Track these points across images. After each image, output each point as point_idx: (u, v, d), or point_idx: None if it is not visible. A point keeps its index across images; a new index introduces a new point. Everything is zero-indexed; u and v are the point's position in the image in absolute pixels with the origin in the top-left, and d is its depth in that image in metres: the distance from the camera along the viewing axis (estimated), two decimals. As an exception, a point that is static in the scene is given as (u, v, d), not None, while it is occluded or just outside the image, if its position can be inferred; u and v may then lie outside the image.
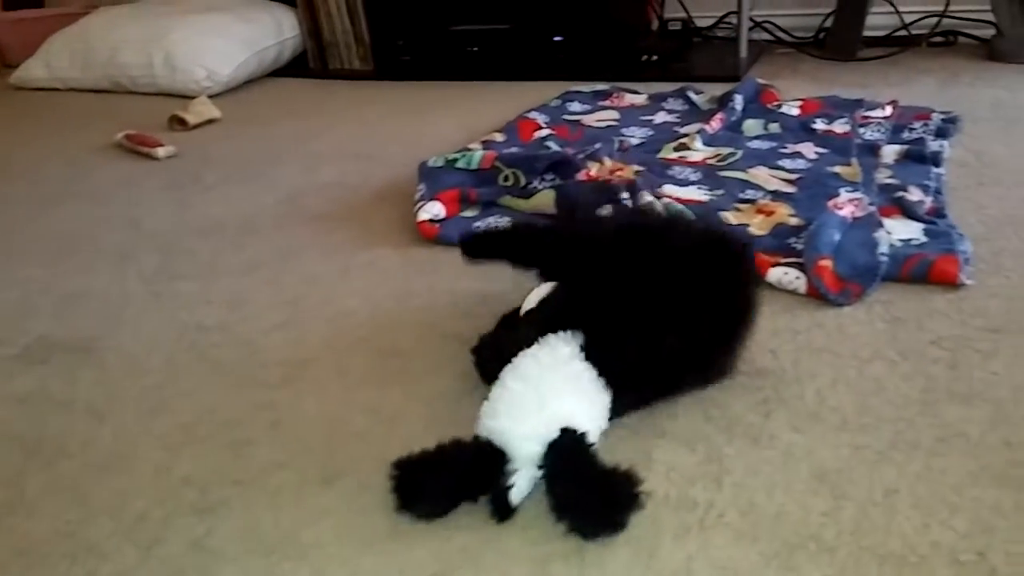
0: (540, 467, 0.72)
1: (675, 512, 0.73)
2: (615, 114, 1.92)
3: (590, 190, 1.34)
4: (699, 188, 1.42)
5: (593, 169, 1.48)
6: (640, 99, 2.02)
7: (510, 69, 2.43)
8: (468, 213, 1.40)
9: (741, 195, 1.37)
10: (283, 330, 1.10)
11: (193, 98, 2.29)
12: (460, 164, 1.50)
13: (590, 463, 0.72)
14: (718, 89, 1.98)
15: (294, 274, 1.27)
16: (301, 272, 1.28)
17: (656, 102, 1.99)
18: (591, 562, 0.68)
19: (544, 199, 1.37)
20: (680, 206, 1.24)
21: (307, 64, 2.73)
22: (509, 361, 0.81)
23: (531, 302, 0.93)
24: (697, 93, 1.99)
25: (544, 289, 0.93)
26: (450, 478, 0.72)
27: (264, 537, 0.73)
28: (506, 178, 1.46)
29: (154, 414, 0.93)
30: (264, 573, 0.69)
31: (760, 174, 1.46)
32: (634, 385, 0.82)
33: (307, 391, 0.95)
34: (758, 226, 1.25)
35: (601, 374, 0.80)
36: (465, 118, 2.06)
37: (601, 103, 2.02)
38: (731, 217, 1.28)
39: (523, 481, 0.73)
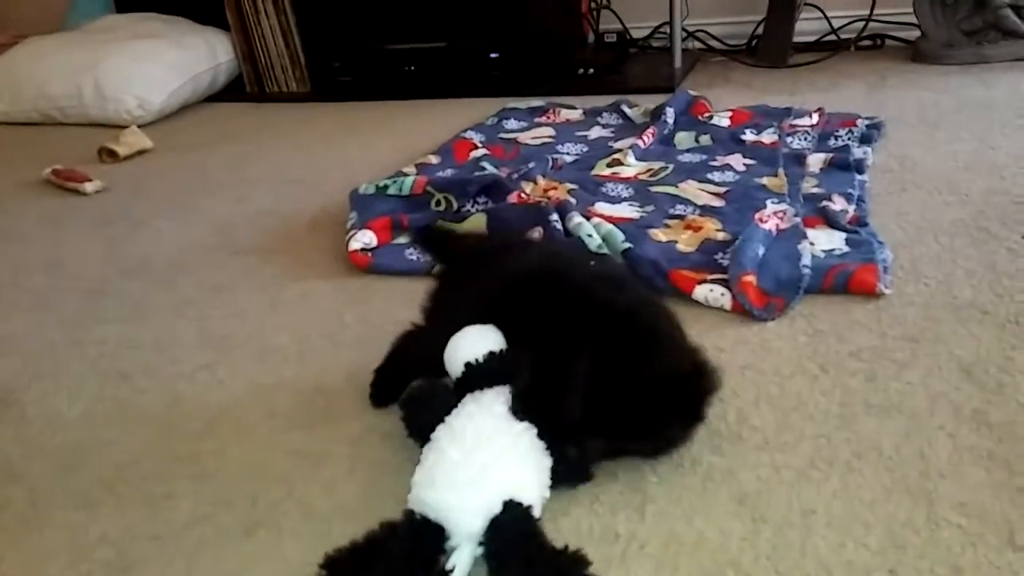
0: (481, 543, 0.68)
1: (598, 546, 0.73)
2: (551, 131, 1.93)
3: (521, 213, 1.34)
4: (630, 205, 1.43)
5: (527, 189, 1.48)
6: (576, 115, 2.03)
7: (447, 87, 2.42)
8: (401, 240, 1.39)
9: (671, 211, 1.39)
10: (209, 371, 1.08)
11: (125, 128, 2.25)
12: (392, 190, 1.49)
13: (537, 543, 0.68)
14: (653, 101, 2.01)
15: (223, 311, 1.25)
16: (230, 308, 1.26)
17: (591, 117, 2.00)
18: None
19: (476, 222, 1.37)
20: (609, 227, 1.25)
21: (243, 88, 2.69)
22: (441, 419, 0.76)
23: (460, 353, 0.83)
24: (631, 107, 2.01)
25: (471, 338, 0.84)
26: (386, 570, 0.66)
27: (181, 596, 0.72)
28: (438, 202, 1.45)
29: (72, 470, 0.90)
30: (179, 635, 0.68)
31: (690, 188, 1.48)
32: (576, 444, 0.77)
33: (231, 437, 0.93)
34: (686, 242, 1.26)
35: (540, 435, 0.76)
36: (402, 138, 2.05)
37: (537, 119, 2.02)
38: (660, 234, 1.29)
39: (464, 560, 0.68)
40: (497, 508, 0.68)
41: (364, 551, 0.68)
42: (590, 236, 1.23)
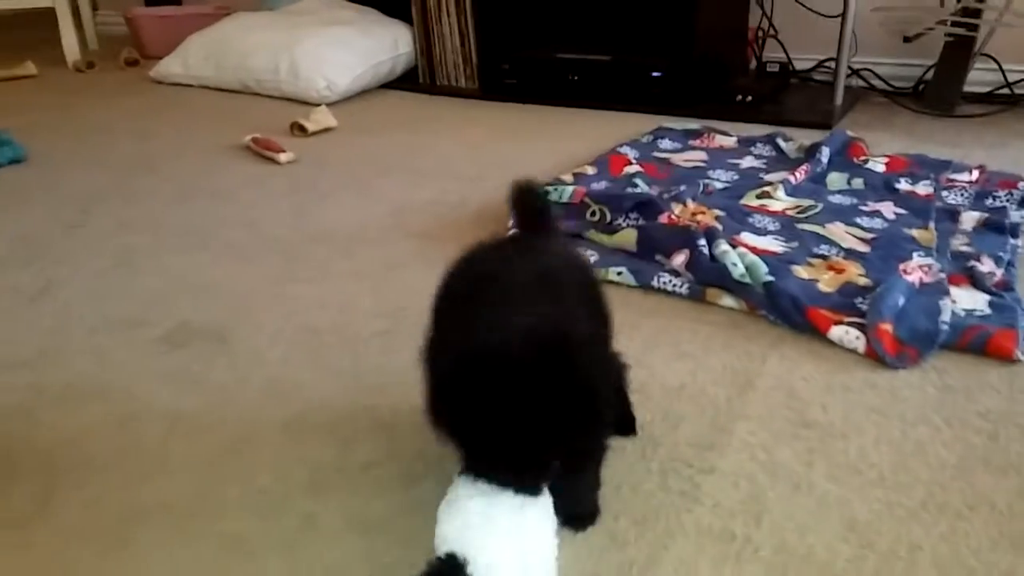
0: None
1: (715, 542, 0.83)
2: (703, 155, 2.01)
3: (670, 233, 1.44)
4: (775, 239, 1.50)
5: (676, 210, 1.58)
6: (730, 141, 2.10)
7: (606, 98, 2.54)
8: (556, 243, 1.52)
9: (815, 250, 1.45)
10: (385, 337, 1.24)
11: (312, 105, 2.49)
12: (552, 197, 1.62)
13: None
14: (809, 136, 2.05)
15: (397, 285, 1.42)
16: (404, 283, 1.42)
17: (745, 146, 2.06)
18: (641, 572, 0.79)
19: (626, 237, 1.48)
20: (753, 257, 1.33)
21: (417, 79, 2.90)
22: None
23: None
24: (786, 140, 2.05)
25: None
26: None
27: (364, 519, 0.87)
28: (593, 213, 1.57)
29: (274, 401, 1.08)
30: (362, 550, 0.83)
31: (837, 230, 1.53)
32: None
33: (402, 398, 1.08)
34: (827, 283, 1.33)
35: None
36: (559, 144, 2.18)
37: (692, 142, 2.11)
38: (802, 272, 1.36)
39: None
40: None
41: None
42: (735, 265, 1.31)
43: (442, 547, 0.72)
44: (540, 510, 0.77)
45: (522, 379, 0.70)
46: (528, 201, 0.96)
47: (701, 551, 0.82)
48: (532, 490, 0.75)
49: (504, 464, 0.73)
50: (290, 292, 1.39)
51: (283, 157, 2.04)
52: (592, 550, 0.82)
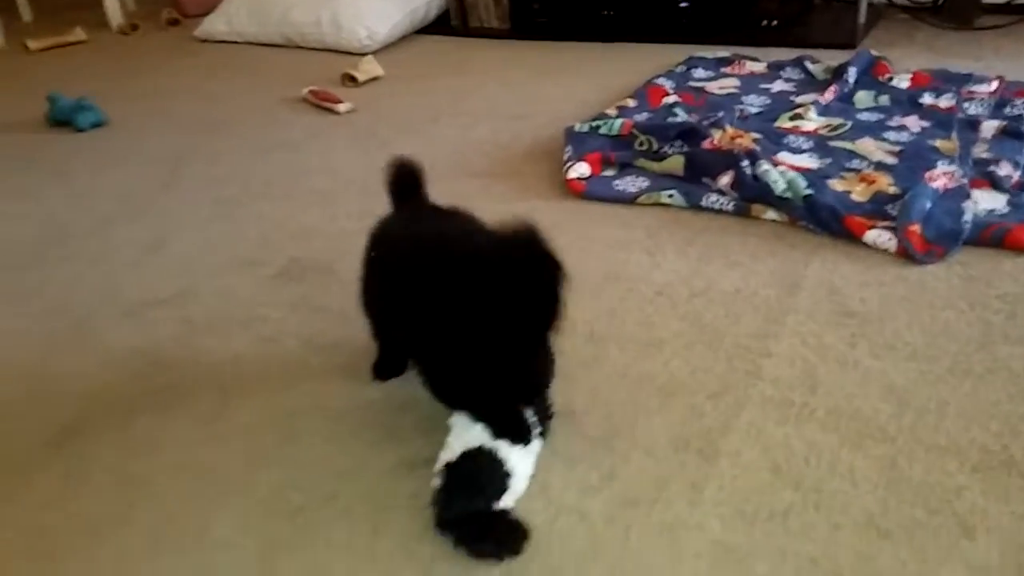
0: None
1: (778, 408, 1.01)
2: (736, 82, 2.13)
3: (715, 158, 1.58)
4: (811, 156, 1.64)
5: (717, 136, 1.72)
6: (760, 67, 2.21)
7: (636, 32, 2.64)
8: (608, 173, 1.68)
9: (847, 164, 1.59)
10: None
11: (353, 55, 2.62)
12: (603, 130, 1.76)
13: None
14: (834, 56, 2.16)
15: (469, 219, 1.58)
16: (474, 217, 1.59)
17: (774, 71, 2.18)
18: (719, 442, 0.97)
19: (674, 163, 1.63)
20: (793, 174, 1.48)
21: (448, 22, 3.01)
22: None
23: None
24: (814, 63, 2.17)
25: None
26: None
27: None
28: (641, 143, 1.72)
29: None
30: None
31: (866, 145, 1.67)
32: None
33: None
34: (860, 193, 1.48)
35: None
36: (597, 80, 2.30)
37: (723, 70, 2.22)
38: (837, 184, 1.51)
39: None
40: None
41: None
42: (776, 182, 1.46)
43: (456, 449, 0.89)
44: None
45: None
46: (404, 174, 1.11)
47: (767, 416, 1.00)
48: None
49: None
50: (378, 229, 1.56)
51: (341, 107, 2.19)
52: (674, 421, 1.01)
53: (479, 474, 0.87)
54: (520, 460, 0.89)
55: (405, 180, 1.10)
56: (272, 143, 2.05)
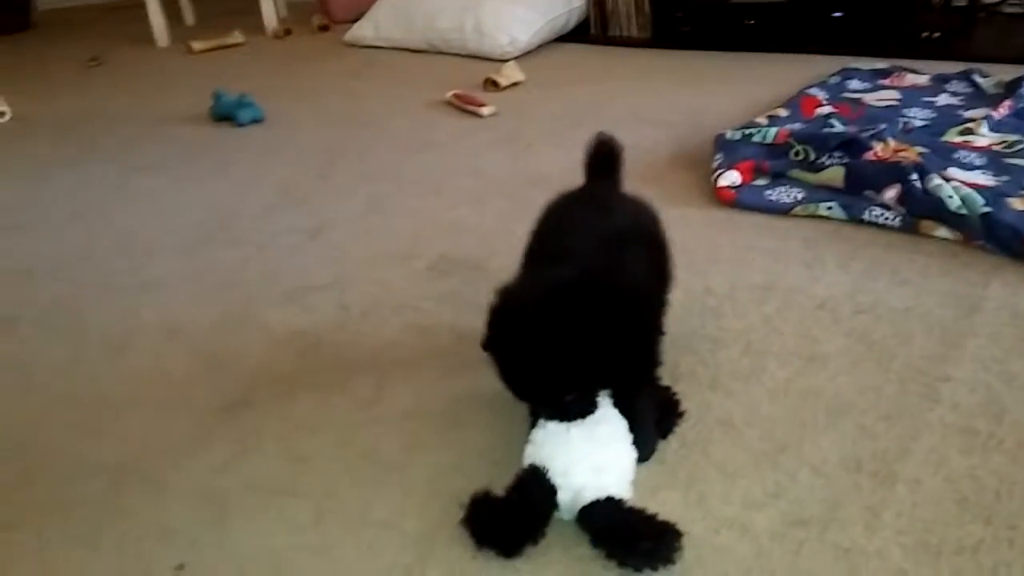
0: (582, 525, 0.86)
1: (960, 435, 0.94)
2: (896, 94, 2.02)
3: (880, 170, 1.51)
4: (984, 173, 1.54)
5: (878, 148, 1.64)
6: (922, 80, 2.10)
7: (785, 42, 2.56)
8: (760, 182, 1.62)
9: (1027, 183, 1.48)
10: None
11: (495, 61, 2.66)
12: (756, 138, 1.71)
13: (631, 515, 0.85)
14: (1004, 72, 2.02)
15: (616, 223, 1.57)
16: (621, 222, 1.57)
17: (939, 83, 2.06)
18: (895, 466, 0.92)
19: (833, 174, 1.56)
20: (968, 190, 1.39)
21: (588, 30, 3.01)
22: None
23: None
24: (983, 76, 2.03)
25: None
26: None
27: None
28: (797, 153, 1.66)
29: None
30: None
31: (1048, 163, 1.55)
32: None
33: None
34: (1044, 214, 1.37)
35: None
36: (742, 89, 2.24)
37: (881, 82, 2.12)
38: (1018, 203, 1.40)
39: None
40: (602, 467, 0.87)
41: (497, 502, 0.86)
42: (950, 197, 1.37)
43: (525, 461, 0.89)
44: (611, 428, 0.92)
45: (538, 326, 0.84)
46: (604, 152, 1.13)
47: (948, 443, 0.94)
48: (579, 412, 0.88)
49: (541, 399, 0.89)
50: (520, 230, 1.57)
51: (485, 111, 2.23)
52: (844, 440, 0.96)
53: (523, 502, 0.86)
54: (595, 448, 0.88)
55: (602, 158, 1.14)
56: (419, 142, 2.10)
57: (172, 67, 3.13)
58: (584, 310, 0.85)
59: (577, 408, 0.89)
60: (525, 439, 0.93)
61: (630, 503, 0.86)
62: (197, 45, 3.25)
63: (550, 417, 0.90)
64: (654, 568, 0.81)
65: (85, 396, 1.20)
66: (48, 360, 1.30)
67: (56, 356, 1.31)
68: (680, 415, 1.00)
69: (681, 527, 0.83)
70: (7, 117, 2.56)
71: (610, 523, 0.83)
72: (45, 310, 1.45)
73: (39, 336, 1.37)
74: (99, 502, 0.99)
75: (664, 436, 0.98)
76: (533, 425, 0.93)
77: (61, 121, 2.53)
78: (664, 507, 0.88)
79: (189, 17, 3.86)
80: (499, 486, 0.91)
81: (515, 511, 0.85)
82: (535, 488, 0.86)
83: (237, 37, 3.34)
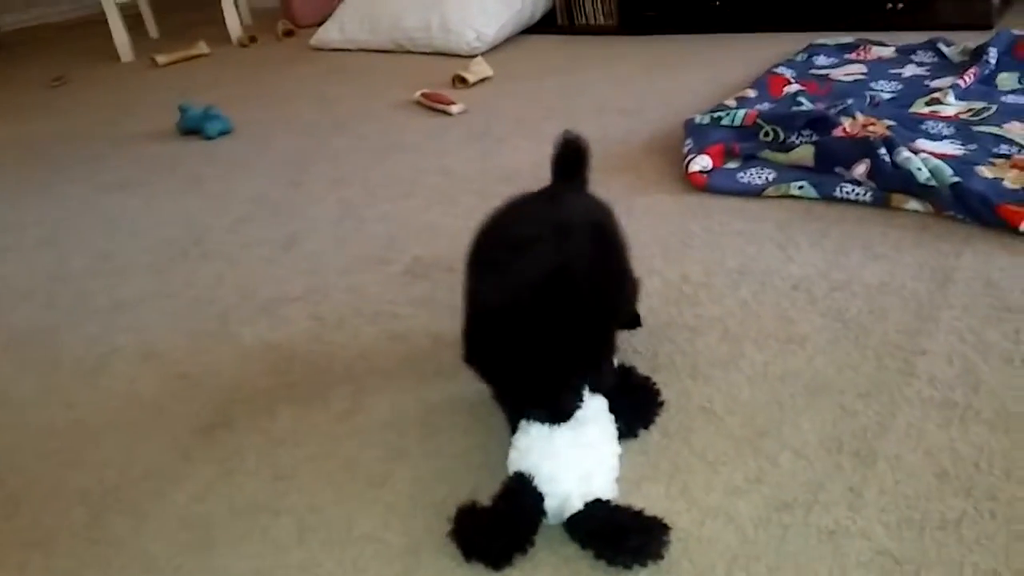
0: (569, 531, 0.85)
1: (938, 409, 0.95)
2: (863, 68, 2.03)
3: (848, 146, 1.51)
4: (952, 143, 1.54)
5: (847, 124, 1.64)
6: (888, 52, 2.10)
7: (752, 21, 2.55)
8: (731, 165, 1.62)
9: (995, 150, 1.49)
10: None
11: (462, 57, 2.65)
12: (725, 121, 1.71)
13: (618, 514, 0.84)
14: (968, 38, 2.03)
15: (589, 215, 1.56)
16: (595, 213, 1.57)
17: (905, 55, 2.07)
18: (875, 444, 0.92)
19: (803, 153, 1.56)
20: (936, 161, 1.39)
21: (555, 21, 3.00)
22: None
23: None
24: (948, 44, 2.04)
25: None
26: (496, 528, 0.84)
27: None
28: (766, 134, 1.66)
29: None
30: (625, 427, 1.00)
31: (1015, 129, 1.55)
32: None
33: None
34: (1013, 180, 1.37)
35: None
36: (711, 72, 2.24)
37: (848, 56, 2.12)
38: (986, 171, 1.41)
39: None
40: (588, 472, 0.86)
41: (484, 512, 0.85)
42: (919, 169, 1.38)
43: (511, 469, 0.88)
44: (596, 429, 0.91)
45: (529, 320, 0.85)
46: (570, 152, 1.12)
47: (927, 417, 0.94)
48: (563, 416, 0.88)
49: (530, 399, 0.88)
50: (498, 227, 1.56)
51: (454, 109, 2.21)
52: (824, 421, 0.96)
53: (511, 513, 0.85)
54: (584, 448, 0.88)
55: (569, 158, 1.12)
56: (389, 145, 2.09)
57: (138, 82, 3.09)
58: (559, 301, 0.85)
59: (572, 402, 0.88)
60: (506, 443, 0.92)
61: (616, 501, 0.86)
62: (162, 59, 3.22)
63: (545, 419, 0.89)
64: (643, 564, 0.81)
65: (61, 423, 1.18)
66: (21, 387, 1.28)
67: (30, 383, 1.29)
68: (660, 405, 1.00)
69: (666, 520, 0.82)
70: (-28, 143, 2.53)
71: (596, 524, 0.83)
72: (17, 336, 1.43)
73: (12, 362, 1.35)
74: (81, 533, 0.97)
75: (646, 426, 0.98)
76: (514, 431, 0.92)
77: (28, 143, 2.50)
78: (648, 500, 0.88)
79: (152, 30, 3.83)
80: (482, 492, 0.90)
81: (503, 521, 0.84)
82: (522, 497, 0.85)
83: (202, 48, 3.30)
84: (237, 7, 3.53)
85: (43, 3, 4.50)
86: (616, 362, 1.00)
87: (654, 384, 1.02)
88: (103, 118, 2.66)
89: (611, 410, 0.94)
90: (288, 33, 3.41)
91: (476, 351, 0.90)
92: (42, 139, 2.52)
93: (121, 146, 2.36)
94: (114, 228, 1.83)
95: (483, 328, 0.90)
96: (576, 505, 0.83)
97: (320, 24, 3.19)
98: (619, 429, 0.94)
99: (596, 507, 0.84)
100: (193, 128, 2.31)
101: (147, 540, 0.95)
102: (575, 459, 0.87)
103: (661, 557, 0.81)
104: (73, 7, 4.49)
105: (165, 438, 1.11)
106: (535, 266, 0.89)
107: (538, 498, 0.84)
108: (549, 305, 0.85)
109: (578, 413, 0.89)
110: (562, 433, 0.88)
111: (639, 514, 0.83)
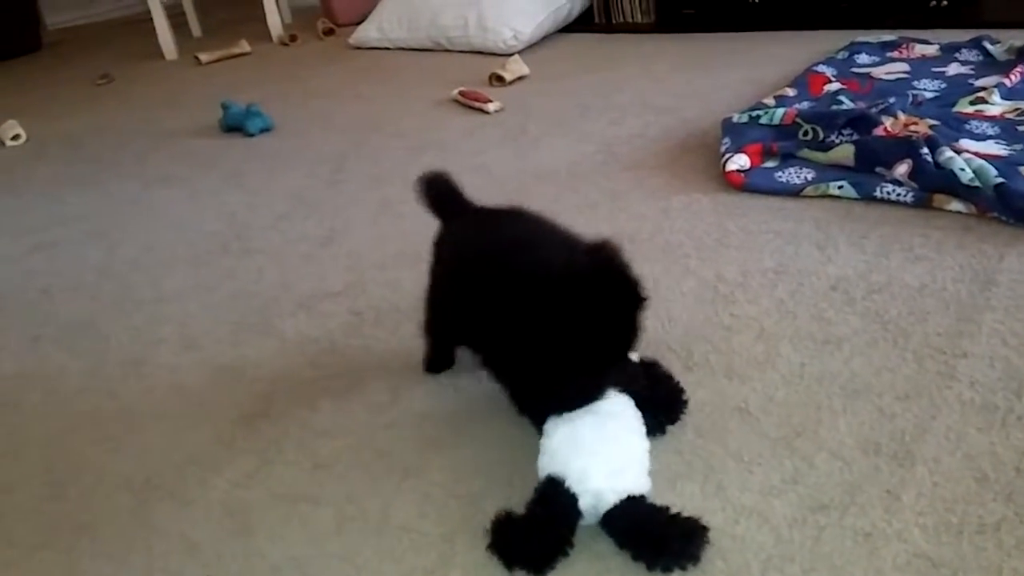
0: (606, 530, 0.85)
1: (978, 413, 0.93)
2: (905, 66, 2.00)
3: (890, 145, 1.49)
4: (997, 143, 1.52)
5: (888, 123, 1.62)
6: (931, 50, 2.07)
7: (791, 19, 2.53)
8: (769, 164, 1.61)
9: (1042, 150, 1.46)
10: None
11: (500, 56, 2.66)
12: (763, 120, 1.70)
13: (655, 516, 0.84)
14: (1016, 37, 1.99)
15: (625, 213, 1.57)
16: (630, 212, 1.57)
17: (949, 53, 2.03)
18: (913, 446, 0.91)
19: (843, 152, 1.54)
20: (980, 162, 1.37)
21: (591, 19, 2.99)
22: None
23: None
24: (993, 43, 2.00)
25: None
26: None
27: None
28: (805, 133, 1.64)
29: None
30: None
31: (1064, 129, 1.52)
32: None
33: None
34: (1060, 181, 1.35)
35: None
36: (750, 71, 2.22)
37: (890, 54, 2.09)
38: (1032, 172, 1.38)
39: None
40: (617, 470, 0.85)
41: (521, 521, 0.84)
42: (962, 170, 1.35)
43: (541, 473, 0.87)
44: (623, 422, 0.90)
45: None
46: (439, 188, 1.16)
47: (966, 420, 0.93)
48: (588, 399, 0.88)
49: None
50: (534, 225, 1.57)
51: (491, 107, 2.22)
52: (862, 423, 0.95)
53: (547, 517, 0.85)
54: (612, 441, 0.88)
55: (444, 195, 1.18)
56: (426, 142, 2.11)
57: (181, 80, 3.15)
58: (603, 287, 0.86)
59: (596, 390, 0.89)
60: (537, 440, 0.93)
61: (651, 499, 0.86)
62: (204, 56, 3.28)
63: (565, 408, 0.89)
64: (683, 568, 0.81)
65: (107, 412, 1.22)
66: (69, 376, 1.32)
67: (77, 372, 1.33)
68: (684, 403, 0.99)
69: (700, 519, 0.83)
70: (23, 140, 2.60)
71: (635, 525, 0.83)
72: (66, 328, 1.48)
73: (60, 354, 1.39)
74: (126, 517, 1.00)
75: (672, 421, 0.98)
76: (540, 435, 0.92)
77: (75, 140, 2.56)
78: (683, 499, 0.88)
79: (196, 29, 3.89)
80: (517, 485, 0.91)
81: (541, 527, 0.84)
82: (557, 500, 0.85)
83: (244, 46, 3.36)
84: (278, 6, 3.57)
85: (88, 3, 4.60)
86: (636, 358, 1.00)
87: (678, 383, 1.01)
88: (148, 115, 2.72)
89: (637, 406, 0.94)
90: (328, 31, 3.45)
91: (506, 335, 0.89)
92: (88, 136, 2.58)
93: (165, 142, 2.41)
94: (158, 222, 1.87)
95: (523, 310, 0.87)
96: (610, 500, 0.83)
97: (359, 22, 3.22)
98: (647, 425, 0.93)
99: (632, 505, 0.84)
100: (235, 125, 2.35)
101: (189, 526, 0.97)
102: (604, 455, 0.87)
103: (699, 560, 0.81)
104: (118, 6, 4.59)
105: (207, 427, 1.14)
106: (559, 257, 0.90)
107: (572, 499, 0.84)
108: (592, 292, 0.85)
109: (602, 408, 0.90)
110: (587, 430, 0.88)
111: (677, 516, 0.83)
